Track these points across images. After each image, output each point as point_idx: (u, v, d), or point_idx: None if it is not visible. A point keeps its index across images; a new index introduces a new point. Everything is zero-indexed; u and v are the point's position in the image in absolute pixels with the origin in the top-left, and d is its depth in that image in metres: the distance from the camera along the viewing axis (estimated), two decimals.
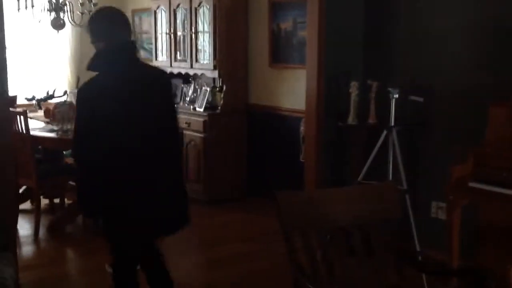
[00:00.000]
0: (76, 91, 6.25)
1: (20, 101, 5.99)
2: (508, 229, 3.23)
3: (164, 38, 6.13)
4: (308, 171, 4.45)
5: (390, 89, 3.82)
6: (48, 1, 5.67)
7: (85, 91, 2.70)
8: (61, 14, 5.68)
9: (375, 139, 3.92)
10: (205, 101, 5.55)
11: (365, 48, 4.39)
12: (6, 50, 3.06)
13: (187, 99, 5.88)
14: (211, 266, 4.13)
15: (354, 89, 4.15)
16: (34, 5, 5.58)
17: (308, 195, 2.57)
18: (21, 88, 6.32)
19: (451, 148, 3.78)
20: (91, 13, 3.07)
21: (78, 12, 5.49)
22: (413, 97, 3.81)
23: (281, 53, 5.23)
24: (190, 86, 5.94)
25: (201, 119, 5.44)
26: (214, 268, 4.06)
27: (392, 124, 3.83)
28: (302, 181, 4.51)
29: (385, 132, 3.85)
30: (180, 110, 5.75)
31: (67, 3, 5.82)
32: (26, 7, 5.49)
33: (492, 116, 3.32)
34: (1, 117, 3.02)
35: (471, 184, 3.14)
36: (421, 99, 3.81)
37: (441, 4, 3.91)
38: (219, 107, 5.50)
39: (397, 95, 3.79)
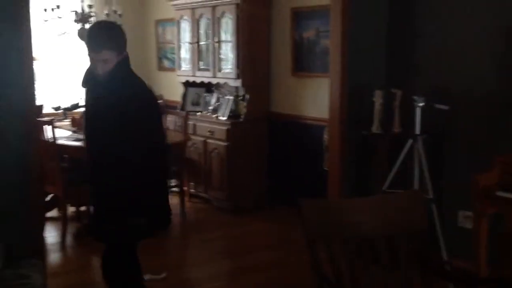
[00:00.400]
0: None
1: (47, 110, 6.09)
2: None
3: (187, 48, 6.19)
4: (331, 179, 4.43)
5: (414, 97, 3.79)
6: (75, 12, 5.79)
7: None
8: (87, 25, 5.80)
9: (399, 147, 3.89)
10: (228, 110, 5.57)
11: (389, 57, 4.37)
12: (34, 61, 3.13)
13: (210, 108, 5.91)
14: (234, 274, 4.14)
15: (377, 97, 4.13)
16: (61, 16, 5.70)
17: (332, 204, 2.56)
18: (48, 98, 6.43)
19: (477, 156, 3.73)
20: (99, 25, 2.95)
21: None
22: (438, 105, 3.78)
23: (303, 61, 5.24)
24: (212, 95, 5.97)
25: (224, 128, 5.47)
26: (237, 276, 4.06)
27: (418, 132, 3.80)
28: (325, 190, 4.50)
29: (410, 141, 3.82)
30: (202, 118, 5.81)
31: (93, 14, 5.94)
32: (52, 18, 5.61)
33: None
34: (29, 126, 3.08)
35: (499, 193, 3.10)
36: (446, 107, 3.77)
37: (465, 12, 3.87)
38: (242, 116, 5.52)
39: (422, 104, 3.77)
